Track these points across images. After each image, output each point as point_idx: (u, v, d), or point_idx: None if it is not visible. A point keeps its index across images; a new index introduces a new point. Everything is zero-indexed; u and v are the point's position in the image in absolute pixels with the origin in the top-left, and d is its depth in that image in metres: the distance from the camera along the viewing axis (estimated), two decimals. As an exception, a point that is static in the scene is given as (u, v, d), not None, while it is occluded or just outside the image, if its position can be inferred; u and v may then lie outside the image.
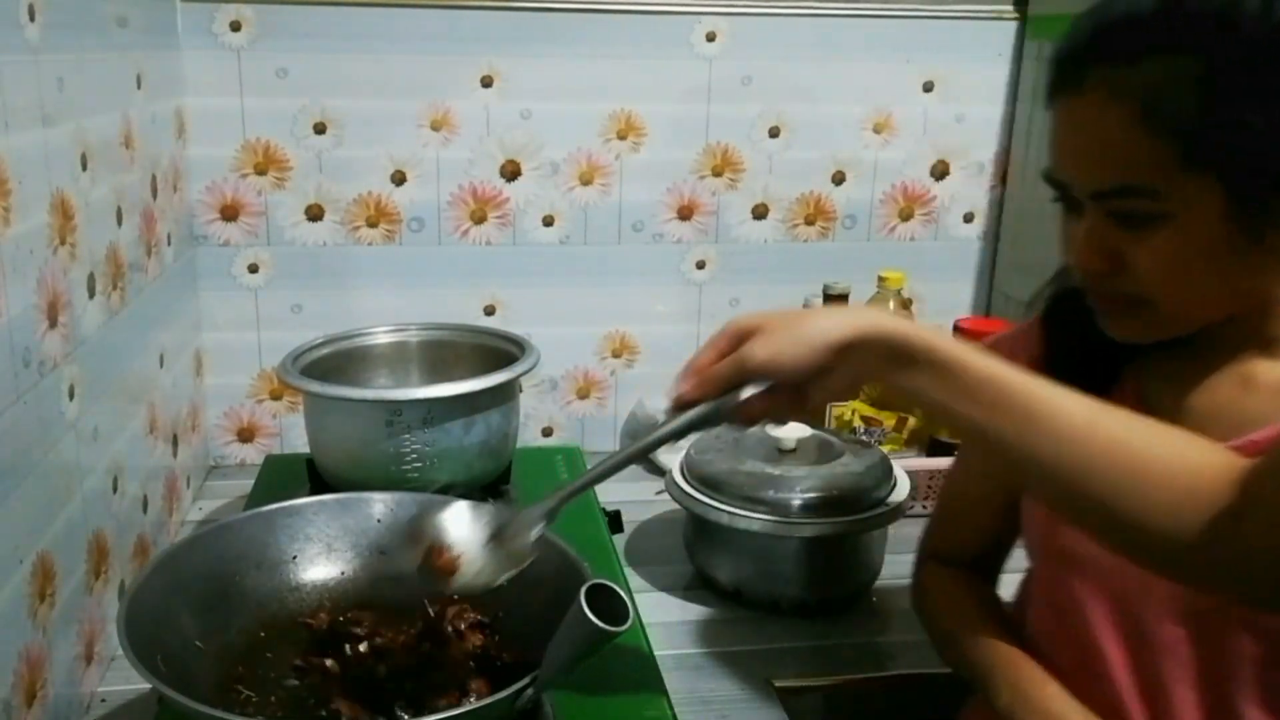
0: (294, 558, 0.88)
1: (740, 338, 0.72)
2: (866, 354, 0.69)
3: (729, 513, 1.10)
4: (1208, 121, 0.64)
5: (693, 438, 1.11)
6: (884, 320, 0.70)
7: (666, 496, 1.20)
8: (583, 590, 0.66)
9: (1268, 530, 0.59)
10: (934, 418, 0.71)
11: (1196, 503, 0.61)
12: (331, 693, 0.76)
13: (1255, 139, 0.64)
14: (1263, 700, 0.71)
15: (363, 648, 0.81)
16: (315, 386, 1.07)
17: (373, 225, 1.46)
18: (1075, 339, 0.81)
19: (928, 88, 1.55)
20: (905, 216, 1.60)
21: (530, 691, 0.68)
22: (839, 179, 1.57)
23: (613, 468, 0.75)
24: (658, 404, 1.56)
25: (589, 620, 0.65)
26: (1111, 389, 0.78)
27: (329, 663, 0.80)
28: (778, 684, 1.01)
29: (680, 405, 0.73)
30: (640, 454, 0.75)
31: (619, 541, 1.21)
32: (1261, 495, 0.59)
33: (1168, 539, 0.62)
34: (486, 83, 1.43)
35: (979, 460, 0.93)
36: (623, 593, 0.68)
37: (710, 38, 1.47)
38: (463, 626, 0.81)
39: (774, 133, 1.53)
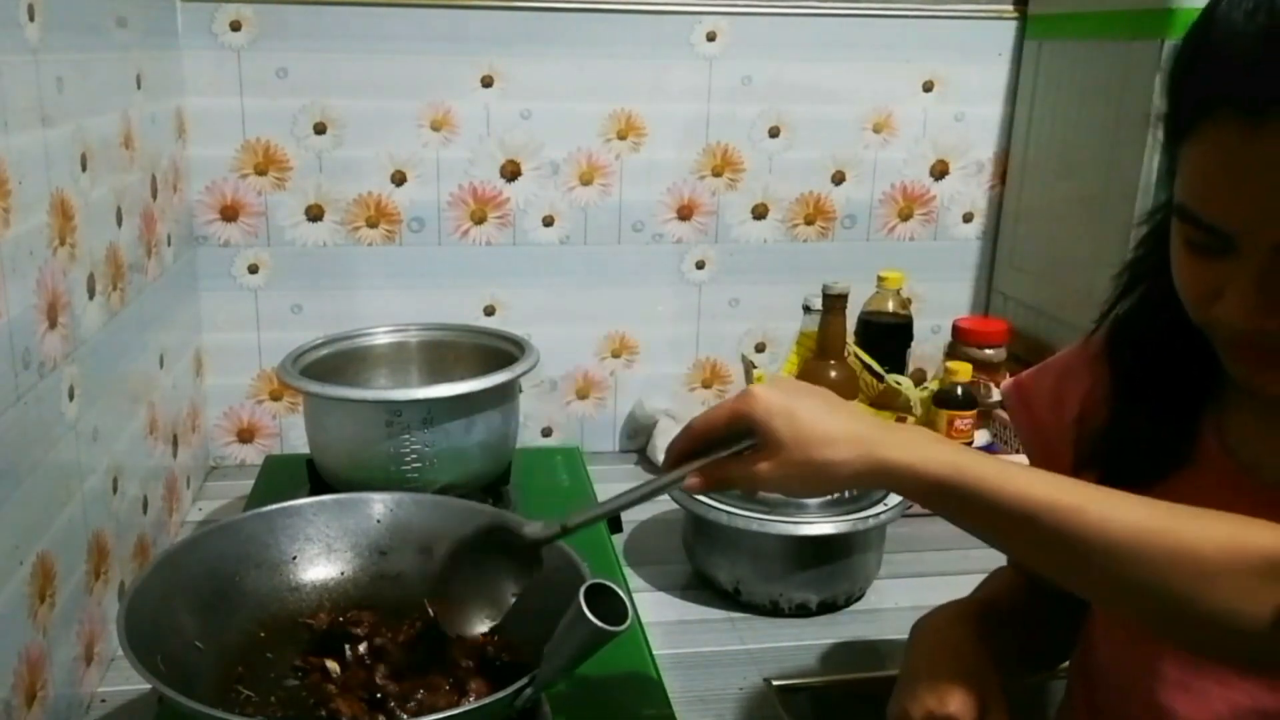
0: (294, 558, 0.88)
1: (747, 425, 0.71)
2: (886, 487, 0.68)
3: (729, 513, 1.10)
4: None
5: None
6: (909, 457, 0.66)
7: (666, 496, 1.20)
8: (582, 590, 0.66)
9: None
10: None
11: (1260, 592, 0.57)
12: (331, 693, 0.76)
13: None
14: None
15: (362, 648, 0.81)
16: (315, 387, 1.07)
17: (373, 225, 1.46)
18: (1147, 375, 0.74)
19: (927, 87, 1.55)
20: (905, 216, 1.60)
21: (529, 691, 0.68)
22: (839, 179, 1.57)
23: (600, 516, 0.78)
24: (657, 404, 1.56)
25: (588, 620, 0.65)
26: (1191, 434, 0.72)
27: (329, 663, 0.81)
28: (777, 684, 1.01)
29: (674, 463, 0.76)
30: (624, 506, 0.77)
31: (618, 541, 1.21)
32: None
33: (1230, 631, 0.58)
34: (486, 83, 1.43)
35: None
36: (622, 593, 0.68)
37: (710, 38, 1.47)
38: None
39: (774, 133, 1.53)
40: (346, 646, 0.81)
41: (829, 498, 1.10)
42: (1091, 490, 0.64)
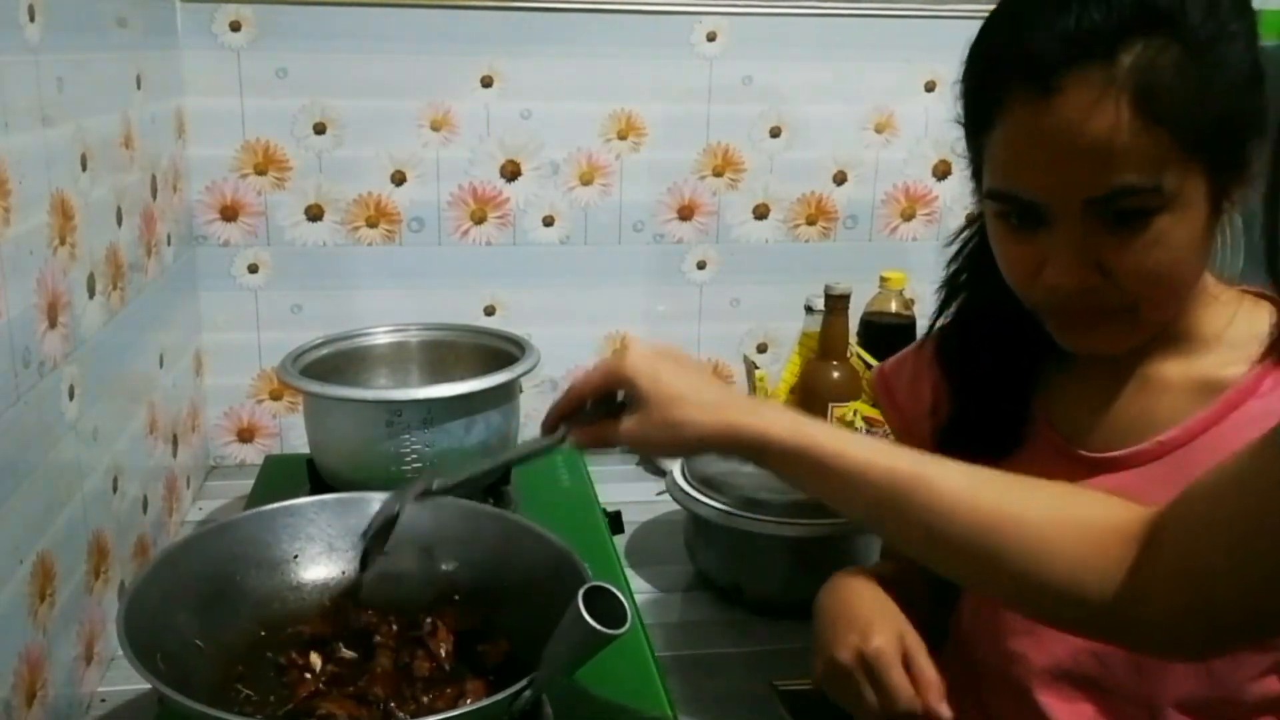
0: (295, 557, 0.87)
1: (616, 383, 0.73)
2: (737, 451, 0.70)
3: (729, 513, 1.10)
4: (1199, 97, 0.62)
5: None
6: (757, 422, 0.69)
7: (667, 497, 1.20)
8: (580, 593, 0.66)
9: (1169, 582, 0.56)
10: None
11: (1095, 561, 0.59)
12: (328, 693, 0.76)
13: (1241, 113, 0.63)
14: None
15: (361, 647, 0.81)
16: (315, 387, 1.06)
17: (373, 225, 1.46)
18: (977, 376, 0.80)
19: (929, 87, 1.55)
20: (907, 216, 1.60)
21: (528, 694, 0.68)
22: (840, 179, 1.56)
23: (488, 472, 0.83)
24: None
25: (586, 623, 0.65)
26: (1023, 419, 0.77)
27: (326, 663, 0.80)
28: (779, 684, 1.01)
29: (551, 425, 0.78)
30: (504, 465, 0.84)
31: (620, 542, 1.21)
32: (1161, 548, 0.57)
33: (1069, 600, 0.60)
34: (486, 83, 1.43)
35: None
36: (621, 595, 0.68)
37: (710, 38, 1.47)
38: (460, 629, 0.81)
39: (774, 133, 1.53)
40: (344, 646, 0.81)
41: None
42: (929, 460, 0.66)
